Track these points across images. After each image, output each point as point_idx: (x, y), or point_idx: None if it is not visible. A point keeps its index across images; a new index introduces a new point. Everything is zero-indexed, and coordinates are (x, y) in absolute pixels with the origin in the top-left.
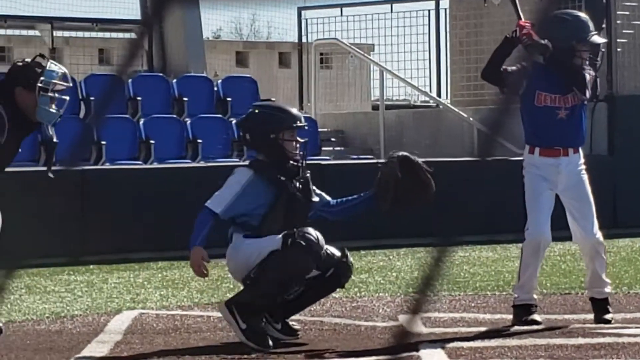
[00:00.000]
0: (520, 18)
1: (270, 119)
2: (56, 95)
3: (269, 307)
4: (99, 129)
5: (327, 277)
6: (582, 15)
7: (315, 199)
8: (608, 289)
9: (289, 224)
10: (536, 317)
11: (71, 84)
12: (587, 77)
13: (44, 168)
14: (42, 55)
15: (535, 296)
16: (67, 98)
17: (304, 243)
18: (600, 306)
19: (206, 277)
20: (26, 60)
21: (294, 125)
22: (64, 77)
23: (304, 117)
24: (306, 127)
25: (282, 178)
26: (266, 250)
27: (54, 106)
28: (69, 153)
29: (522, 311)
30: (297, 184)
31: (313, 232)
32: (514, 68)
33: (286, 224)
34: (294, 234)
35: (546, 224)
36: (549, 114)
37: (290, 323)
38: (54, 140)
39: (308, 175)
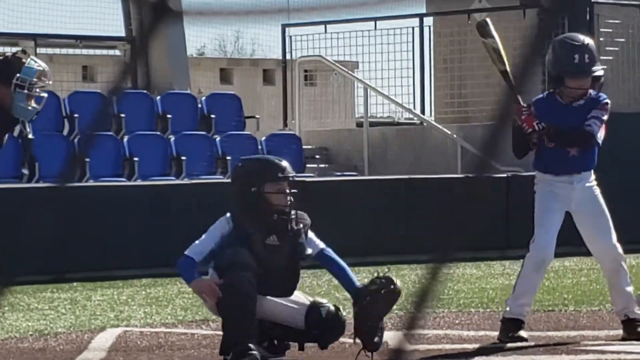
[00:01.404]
0: (517, 102)
1: (252, 171)
2: (35, 92)
3: (250, 334)
4: (87, 150)
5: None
6: (578, 42)
7: (308, 251)
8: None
9: (263, 275)
10: (523, 333)
11: (51, 81)
12: (594, 128)
13: (27, 185)
14: (23, 51)
15: (526, 313)
16: (45, 95)
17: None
18: (632, 326)
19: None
20: (7, 54)
21: (279, 175)
22: (43, 74)
23: (289, 133)
24: (291, 178)
25: (254, 234)
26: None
27: (32, 103)
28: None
29: (511, 325)
30: (276, 239)
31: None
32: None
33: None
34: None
35: (552, 241)
36: (560, 153)
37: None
38: (30, 136)
39: (301, 226)
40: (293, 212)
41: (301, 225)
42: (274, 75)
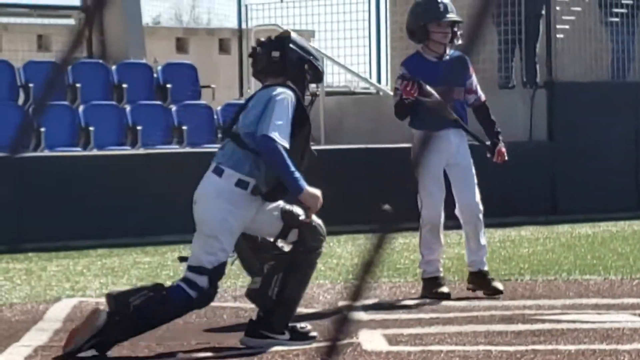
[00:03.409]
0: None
1: (307, 47)
2: None
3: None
4: (40, 117)
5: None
6: None
7: None
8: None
9: (302, 161)
10: (444, 289)
11: None
12: (482, 94)
13: None
14: None
15: (440, 268)
16: None
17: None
18: (485, 279)
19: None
20: None
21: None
22: None
23: (243, 102)
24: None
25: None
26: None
27: None
28: (11, 141)
29: (430, 284)
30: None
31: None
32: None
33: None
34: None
35: (441, 202)
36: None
37: (299, 326)
38: None
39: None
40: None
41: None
42: (230, 45)
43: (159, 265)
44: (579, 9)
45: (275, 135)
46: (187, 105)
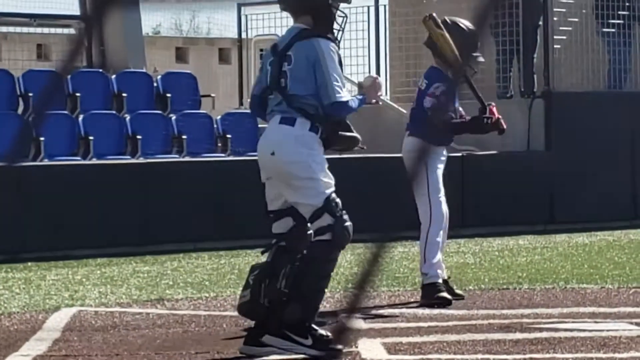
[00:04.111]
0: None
1: None
2: None
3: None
4: (39, 126)
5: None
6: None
7: None
8: None
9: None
10: (445, 294)
11: None
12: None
13: None
14: None
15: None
16: None
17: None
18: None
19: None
20: None
21: None
22: None
23: (244, 112)
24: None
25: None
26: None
27: None
28: (9, 150)
29: (431, 290)
30: None
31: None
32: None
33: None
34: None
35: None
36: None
37: (319, 333)
38: None
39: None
40: None
41: None
42: (230, 54)
43: (158, 274)
44: (576, 19)
45: (341, 97)
46: (187, 115)
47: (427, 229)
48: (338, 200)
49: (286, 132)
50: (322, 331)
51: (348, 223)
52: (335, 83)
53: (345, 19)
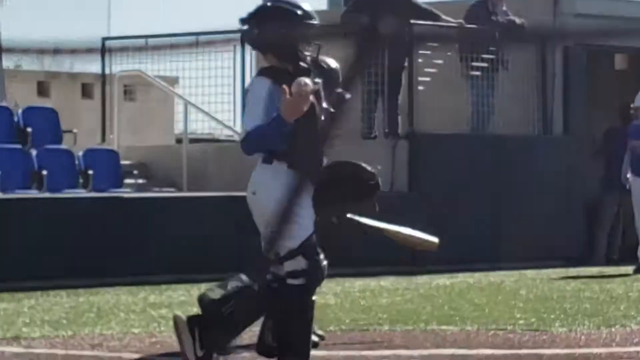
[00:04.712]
0: None
1: (285, 15)
2: None
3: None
4: None
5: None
6: None
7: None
8: None
9: (314, 139)
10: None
11: None
12: None
13: None
14: None
15: None
16: None
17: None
18: None
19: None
20: None
21: (310, 22)
22: None
23: (106, 148)
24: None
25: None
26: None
27: None
28: None
29: None
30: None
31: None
32: None
33: (311, 141)
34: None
35: None
36: None
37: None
38: None
39: (319, 81)
40: None
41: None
42: (93, 89)
43: (14, 312)
44: (440, 61)
45: (243, 133)
46: (48, 150)
47: None
48: (315, 241)
49: (266, 171)
50: None
51: (324, 263)
52: (246, 116)
53: (319, 47)
